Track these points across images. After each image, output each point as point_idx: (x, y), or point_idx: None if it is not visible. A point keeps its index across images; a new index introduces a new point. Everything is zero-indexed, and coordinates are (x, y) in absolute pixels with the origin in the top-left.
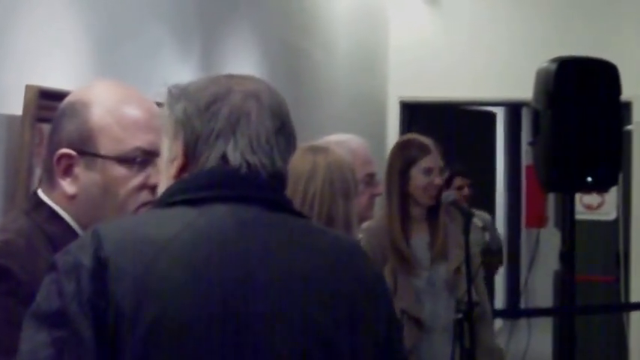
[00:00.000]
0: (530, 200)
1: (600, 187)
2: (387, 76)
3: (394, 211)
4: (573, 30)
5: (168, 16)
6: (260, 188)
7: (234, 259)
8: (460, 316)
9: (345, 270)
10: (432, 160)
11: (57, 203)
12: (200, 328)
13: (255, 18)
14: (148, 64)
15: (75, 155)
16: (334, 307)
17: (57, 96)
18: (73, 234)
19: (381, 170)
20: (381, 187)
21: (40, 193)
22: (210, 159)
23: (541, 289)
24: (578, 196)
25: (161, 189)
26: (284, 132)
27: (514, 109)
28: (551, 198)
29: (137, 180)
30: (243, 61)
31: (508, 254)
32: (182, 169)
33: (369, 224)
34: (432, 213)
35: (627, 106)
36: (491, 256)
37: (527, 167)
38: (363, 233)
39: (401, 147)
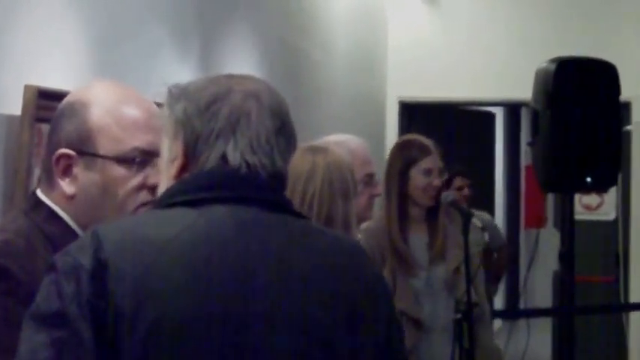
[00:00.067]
0: (529, 200)
1: (599, 187)
2: (385, 76)
3: (393, 211)
4: (572, 30)
5: (168, 17)
6: (260, 189)
7: (233, 260)
8: (459, 316)
9: (345, 270)
10: (432, 161)
11: (56, 203)
12: (200, 329)
13: (254, 18)
14: (147, 64)
15: (74, 155)
16: (334, 307)
17: (56, 96)
18: (72, 234)
19: (380, 170)
20: (380, 188)
21: (39, 193)
22: (210, 159)
23: (540, 290)
24: (577, 196)
25: (161, 189)
26: (284, 132)
27: (513, 109)
28: (551, 198)
29: (136, 180)
30: (242, 62)
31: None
32: (182, 169)
33: (368, 224)
34: (432, 214)
35: (626, 106)
36: (497, 253)
37: (527, 167)
38: (361, 233)
39: (401, 147)
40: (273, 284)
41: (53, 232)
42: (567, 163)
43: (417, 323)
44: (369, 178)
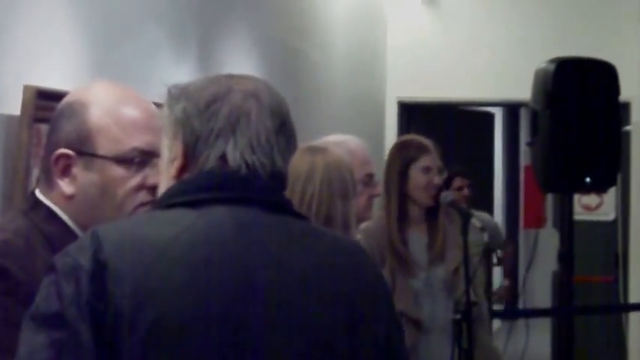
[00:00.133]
0: (528, 201)
1: (599, 187)
2: (385, 76)
3: (393, 211)
4: (572, 30)
5: (166, 18)
6: (259, 190)
7: (233, 261)
8: (458, 316)
9: (345, 271)
10: (431, 159)
11: (55, 203)
12: (199, 329)
13: (253, 19)
14: (146, 64)
15: (73, 155)
16: (334, 307)
17: (55, 96)
18: (71, 234)
19: (379, 171)
20: (380, 188)
21: (38, 193)
22: (209, 159)
23: (539, 290)
24: (576, 196)
25: (161, 189)
26: (284, 131)
27: (512, 109)
28: (550, 198)
29: (135, 180)
30: (240, 62)
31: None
32: (182, 169)
33: (367, 225)
34: (431, 214)
35: (626, 106)
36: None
37: (526, 168)
38: (361, 234)
39: (399, 147)
40: (272, 285)
41: (52, 232)
42: (566, 164)
43: (417, 324)
44: (369, 179)
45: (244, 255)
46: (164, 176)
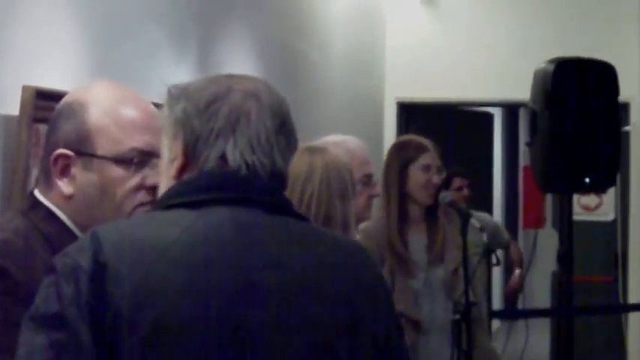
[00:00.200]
0: (527, 201)
1: (598, 188)
2: (383, 76)
3: (392, 211)
4: (571, 30)
5: (165, 18)
6: (259, 190)
7: (233, 261)
8: (457, 317)
9: (345, 271)
10: (430, 157)
11: (54, 203)
12: (199, 330)
13: (252, 19)
14: (146, 64)
15: (72, 155)
16: (333, 307)
17: (54, 96)
18: (70, 234)
19: (377, 171)
20: (379, 188)
21: (37, 194)
22: (209, 159)
23: (539, 290)
24: (575, 196)
25: (162, 189)
26: (284, 131)
27: (511, 109)
28: (549, 199)
29: (134, 180)
30: (239, 63)
31: (505, 255)
32: (182, 169)
33: (367, 225)
34: (430, 214)
35: (625, 107)
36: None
37: (525, 168)
38: (360, 234)
39: (398, 147)
40: (272, 285)
41: (51, 232)
42: (566, 164)
43: (416, 324)
44: (368, 179)
45: (244, 255)
46: (164, 176)
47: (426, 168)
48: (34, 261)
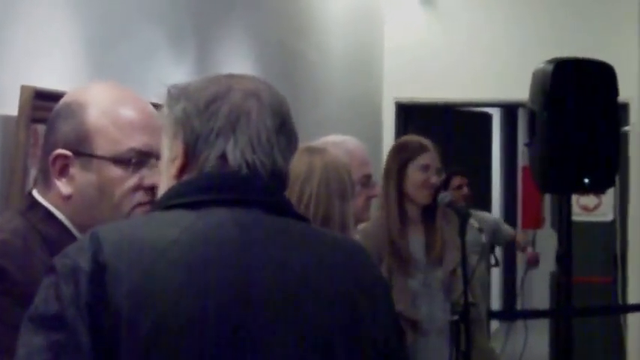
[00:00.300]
0: (526, 201)
1: (597, 188)
2: (382, 77)
3: (392, 209)
4: (570, 31)
5: (164, 18)
6: (260, 191)
7: (233, 262)
8: (456, 317)
9: (345, 271)
10: (430, 158)
11: (52, 204)
12: (199, 330)
13: (251, 19)
14: (144, 65)
15: (71, 156)
16: (333, 308)
17: (52, 97)
18: (69, 234)
19: (376, 172)
20: (378, 189)
21: (35, 194)
22: (209, 158)
23: (538, 291)
24: (574, 197)
25: (162, 189)
26: (285, 131)
27: (510, 110)
28: (548, 199)
29: (132, 181)
30: (238, 63)
31: (504, 255)
32: (182, 168)
33: (365, 226)
34: (428, 214)
35: (624, 107)
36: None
37: (524, 168)
38: (358, 235)
39: (399, 147)
40: (272, 286)
41: (49, 233)
42: (565, 164)
43: (414, 325)
44: (367, 180)
45: (244, 256)
46: (164, 176)
47: (425, 168)
48: (32, 261)
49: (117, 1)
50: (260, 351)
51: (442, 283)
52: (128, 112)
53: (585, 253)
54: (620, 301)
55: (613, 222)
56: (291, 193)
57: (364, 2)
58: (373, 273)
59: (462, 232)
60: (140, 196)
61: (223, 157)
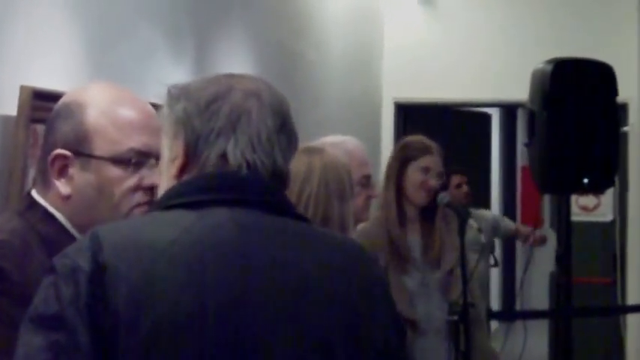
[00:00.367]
0: (525, 201)
1: (596, 188)
2: (381, 77)
3: (391, 208)
4: (569, 31)
5: (162, 19)
6: (260, 191)
7: (232, 262)
8: (456, 317)
9: (344, 273)
10: (432, 160)
11: (51, 204)
12: (197, 331)
13: (249, 20)
14: (143, 65)
15: (70, 156)
16: (332, 310)
17: (51, 97)
18: (67, 235)
19: (375, 172)
20: (377, 189)
21: (34, 194)
22: (210, 158)
23: (537, 291)
24: (574, 197)
25: (162, 189)
26: (285, 130)
27: (509, 110)
28: (547, 199)
29: (132, 181)
30: (236, 63)
31: (503, 255)
32: (183, 168)
33: (364, 226)
34: (427, 214)
35: (624, 107)
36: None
37: (523, 168)
38: (357, 234)
39: (402, 146)
40: (272, 286)
41: (48, 233)
42: (564, 164)
43: (412, 324)
44: (366, 180)
45: (244, 256)
46: (165, 176)
47: (425, 170)
48: (31, 261)
49: (116, 2)
50: (260, 351)
51: (440, 283)
52: (127, 113)
53: (585, 254)
54: (619, 302)
55: (612, 222)
56: (291, 194)
57: (363, 2)
58: (373, 273)
59: (462, 233)
60: (139, 197)
61: (224, 156)
